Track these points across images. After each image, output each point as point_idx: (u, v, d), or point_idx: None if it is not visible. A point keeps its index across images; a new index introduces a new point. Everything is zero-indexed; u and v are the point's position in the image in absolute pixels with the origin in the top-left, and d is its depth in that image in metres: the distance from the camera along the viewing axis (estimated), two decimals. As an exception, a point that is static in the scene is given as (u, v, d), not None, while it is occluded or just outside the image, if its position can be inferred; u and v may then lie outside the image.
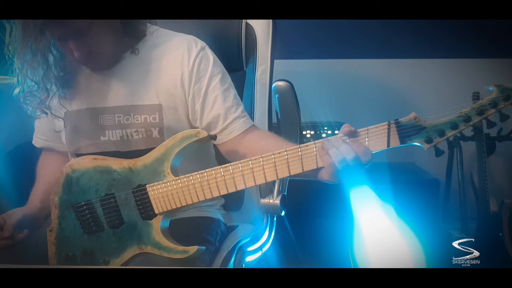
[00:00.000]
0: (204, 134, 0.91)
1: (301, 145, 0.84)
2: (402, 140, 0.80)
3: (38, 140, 1.19)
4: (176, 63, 1.04)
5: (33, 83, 0.96)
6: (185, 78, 1.03)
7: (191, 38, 1.07)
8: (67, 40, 0.93)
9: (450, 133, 0.79)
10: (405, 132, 0.80)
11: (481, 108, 0.77)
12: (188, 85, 1.03)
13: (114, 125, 1.04)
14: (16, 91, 0.98)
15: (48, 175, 1.12)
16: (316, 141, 0.84)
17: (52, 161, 1.18)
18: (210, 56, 1.06)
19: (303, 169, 0.85)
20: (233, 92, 1.06)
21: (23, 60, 0.92)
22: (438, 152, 0.81)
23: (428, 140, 0.79)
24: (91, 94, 1.05)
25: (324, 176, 0.84)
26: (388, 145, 0.81)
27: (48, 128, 1.14)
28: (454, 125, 0.78)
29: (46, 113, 1.03)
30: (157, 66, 1.04)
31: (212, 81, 1.04)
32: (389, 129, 0.80)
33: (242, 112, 1.05)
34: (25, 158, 1.24)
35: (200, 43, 1.06)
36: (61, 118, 1.05)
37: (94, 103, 1.05)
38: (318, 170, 0.85)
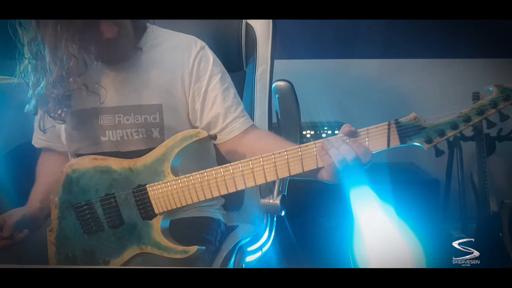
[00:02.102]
0: (204, 134, 0.91)
1: (301, 145, 0.84)
2: (402, 140, 0.80)
3: (37, 141, 1.19)
4: (176, 63, 1.04)
5: (73, 57, 0.92)
6: (185, 78, 1.03)
7: (191, 38, 1.07)
8: (98, 23, 0.90)
9: (450, 133, 0.79)
10: (405, 132, 0.80)
11: (481, 108, 0.77)
12: (188, 85, 1.04)
13: (114, 125, 1.04)
14: (31, 90, 0.96)
15: (48, 175, 1.12)
16: (316, 141, 0.84)
17: (51, 161, 1.18)
18: (210, 55, 1.06)
19: (303, 169, 0.85)
20: (232, 91, 1.06)
21: (55, 41, 0.89)
22: (438, 152, 0.81)
23: (428, 140, 0.79)
24: (92, 94, 1.05)
25: (324, 176, 0.84)
26: (388, 145, 0.81)
27: (48, 128, 1.14)
28: (454, 125, 0.78)
29: (64, 121, 1.02)
30: (157, 66, 1.04)
31: (212, 81, 1.04)
32: (389, 129, 0.80)
33: (242, 112, 1.05)
34: (25, 158, 1.23)
35: (200, 43, 1.07)
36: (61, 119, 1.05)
37: (94, 103, 1.05)
38: (318, 170, 0.85)
